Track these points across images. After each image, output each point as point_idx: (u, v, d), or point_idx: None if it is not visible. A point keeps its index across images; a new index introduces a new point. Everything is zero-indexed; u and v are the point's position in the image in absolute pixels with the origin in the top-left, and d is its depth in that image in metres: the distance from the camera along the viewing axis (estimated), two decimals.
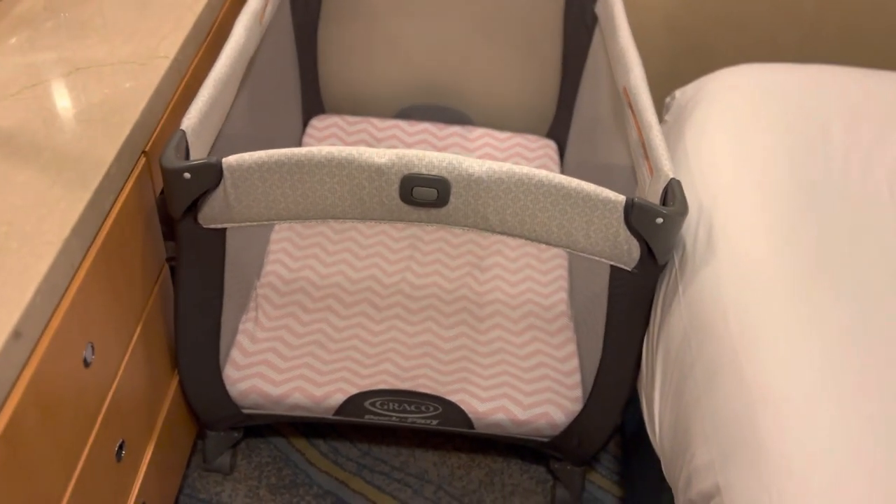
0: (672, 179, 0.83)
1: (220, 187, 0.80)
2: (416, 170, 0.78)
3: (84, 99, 0.82)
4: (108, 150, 0.76)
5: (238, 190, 0.80)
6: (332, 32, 1.48)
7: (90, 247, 0.72)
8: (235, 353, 1.10)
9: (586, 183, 0.78)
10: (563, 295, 1.24)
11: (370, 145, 1.49)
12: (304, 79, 1.50)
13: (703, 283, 0.79)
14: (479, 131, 1.54)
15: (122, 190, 0.78)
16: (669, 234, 0.81)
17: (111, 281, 0.76)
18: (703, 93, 1.07)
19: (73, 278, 0.69)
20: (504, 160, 1.50)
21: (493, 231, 0.83)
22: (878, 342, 0.71)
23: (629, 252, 0.83)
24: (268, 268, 1.25)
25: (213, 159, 0.78)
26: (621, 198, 0.79)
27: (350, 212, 0.82)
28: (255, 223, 0.84)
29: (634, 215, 0.79)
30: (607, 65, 1.23)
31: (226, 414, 1.07)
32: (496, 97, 1.55)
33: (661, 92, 1.54)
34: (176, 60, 0.91)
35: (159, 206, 0.88)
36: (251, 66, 1.15)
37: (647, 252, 0.82)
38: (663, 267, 0.87)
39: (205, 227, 0.84)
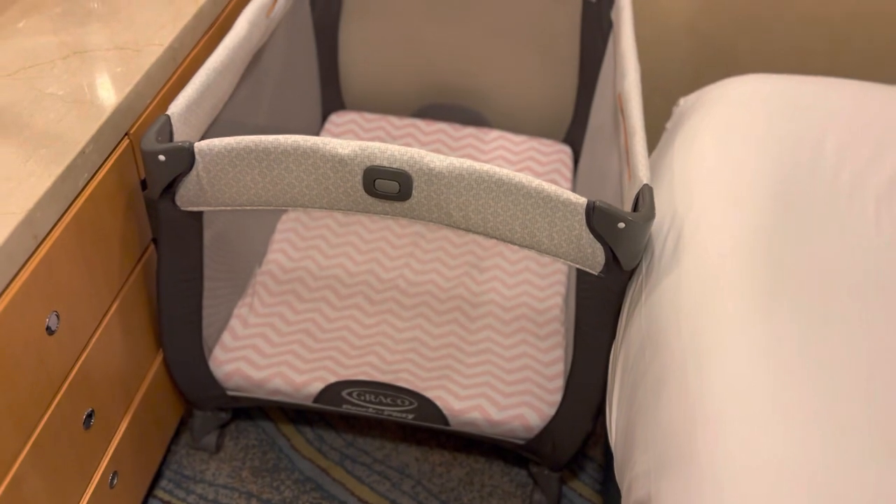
0: (644, 185, 0.82)
1: (194, 171, 0.83)
2: (377, 162, 0.79)
3: (75, 81, 0.86)
4: (86, 130, 0.79)
5: (210, 174, 0.83)
6: (353, 30, 1.51)
7: (59, 220, 0.75)
8: (226, 337, 1.13)
9: (547, 184, 0.78)
10: (559, 300, 1.23)
11: (386, 143, 1.51)
12: (324, 75, 1.53)
13: (664, 292, 0.78)
14: (494, 133, 1.54)
15: (99, 169, 0.81)
16: (634, 239, 0.80)
17: (83, 255, 0.80)
18: (702, 101, 1.05)
19: (36, 249, 0.72)
20: (517, 163, 1.49)
21: (458, 227, 0.83)
22: (829, 369, 0.68)
23: (594, 256, 0.82)
24: (270, 256, 1.28)
25: (186, 143, 0.81)
26: (582, 200, 0.78)
27: (318, 201, 0.83)
28: (228, 208, 0.86)
29: (596, 219, 0.78)
30: (615, 73, 1.21)
31: (211, 394, 1.10)
32: (514, 100, 1.55)
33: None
34: (170, 48, 0.94)
35: (143, 187, 0.91)
36: (260, 59, 1.19)
37: (612, 257, 0.81)
38: (631, 272, 0.86)
39: (182, 209, 0.87)
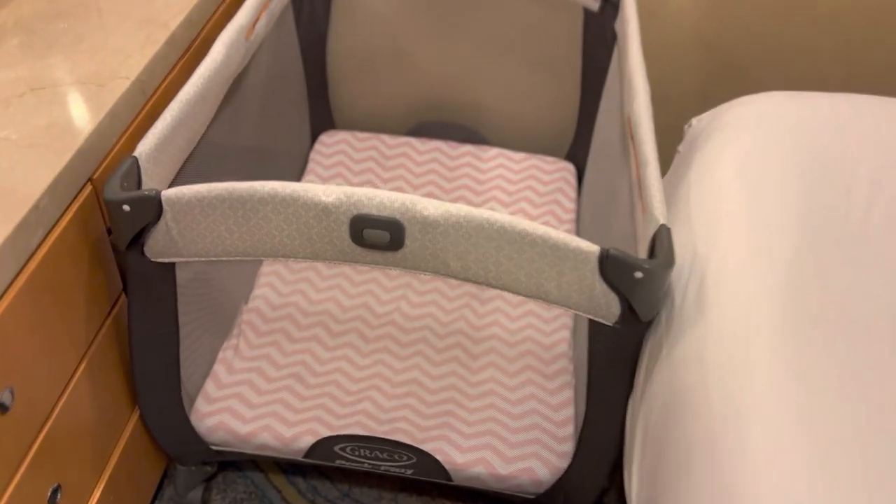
0: (661, 226, 0.74)
1: (162, 221, 0.75)
2: (365, 210, 0.71)
3: (30, 123, 0.78)
4: (41, 179, 0.71)
5: (180, 225, 0.75)
6: (342, 46, 1.43)
7: (10, 285, 0.67)
8: (209, 385, 1.05)
9: (554, 231, 0.70)
10: (566, 334, 1.15)
11: (379, 163, 1.43)
12: (312, 94, 1.45)
13: (688, 348, 0.70)
14: (493, 151, 1.46)
15: (57, 222, 0.73)
16: (652, 288, 0.72)
17: (42, 319, 0.72)
18: (717, 123, 0.97)
19: None
20: (517, 182, 1.41)
21: (457, 278, 0.75)
22: (876, 432, 0.60)
23: (608, 306, 0.74)
24: (257, 291, 1.20)
25: (152, 192, 0.73)
26: (594, 248, 0.70)
27: (300, 251, 0.76)
28: (203, 259, 0.78)
29: (610, 268, 0.70)
30: (620, 88, 1.13)
31: (194, 450, 1.02)
32: (512, 116, 1.47)
33: (690, 116, 1.43)
34: (138, 81, 0.86)
35: (110, 234, 0.83)
36: (241, 83, 1.11)
37: (628, 307, 0.73)
38: (650, 322, 0.78)
39: (152, 260, 0.79)
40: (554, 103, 1.44)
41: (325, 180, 1.40)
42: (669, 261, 0.71)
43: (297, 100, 1.40)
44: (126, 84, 0.84)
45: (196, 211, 0.74)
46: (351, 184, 1.40)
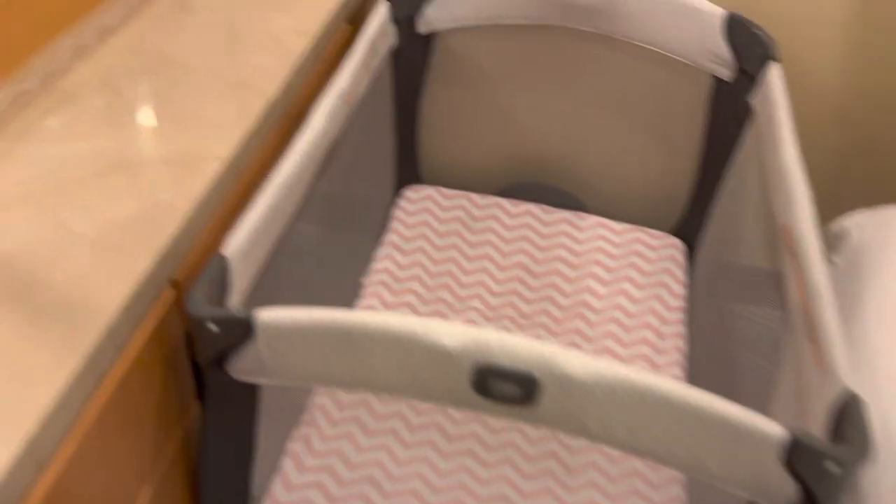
0: (853, 398, 0.60)
1: (253, 343, 0.64)
2: (494, 359, 0.59)
3: (110, 214, 0.68)
4: (117, 292, 0.61)
5: (272, 350, 0.64)
6: (436, 97, 1.31)
7: (73, 427, 0.57)
8: (277, 487, 0.94)
9: (731, 406, 0.57)
10: (679, 491, 0.98)
11: (466, 224, 1.31)
12: (401, 146, 1.34)
13: None
14: (591, 220, 1.33)
15: (131, 339, 0.63)
16: (844, 479, 0.58)
17: (105, 459, 0.61)
18: (887, 239, 0.82)
19: (38, 479, 0.53)
20: (619, 257, 1.28)
21: (595, 440, 0.62)
22: None
23: (780, 492, 0.60)
24: None
25: (244, 313, 0.62)
26: (779, 432, 0.57)
27: (408, 391, 0.64)
28: (293, 383, 0.67)
29: (797, 456, 0.57)
30: (760, 174, 0.99)
31: None
32: (616, 183, 1.34)
33: (822, 198, 1.27)
34: (233, 161, 0.76)
35: (189, 343, 0.72)
36: (334, 148, 1.00)
37: (807, 497, 0.60)
38: None
39: (236, 378, 0.68)
40: (665, 173, 1.31)
41: (407, 240, 1.29)
42: (866, 448, 0.58)
43: (384, 151, 1.30)
44: (219, 166, 0.74)
45: (294, 337, 0.63)
46: (435, 246, 1.28)
